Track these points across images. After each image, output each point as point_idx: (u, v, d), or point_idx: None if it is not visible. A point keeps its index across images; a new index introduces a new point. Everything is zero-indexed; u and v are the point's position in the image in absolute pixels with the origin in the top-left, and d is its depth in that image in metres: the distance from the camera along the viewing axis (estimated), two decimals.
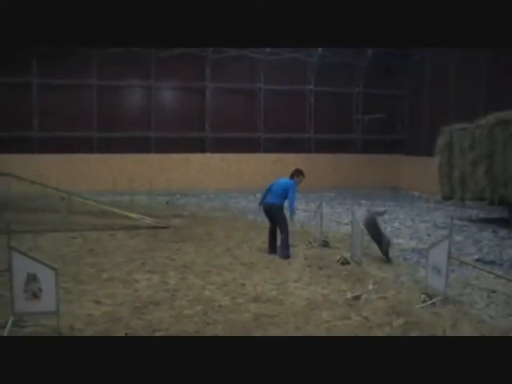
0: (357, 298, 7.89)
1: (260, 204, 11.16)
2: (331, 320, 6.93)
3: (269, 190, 10.95)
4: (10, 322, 6.34)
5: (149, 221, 14.40)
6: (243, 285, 8.62)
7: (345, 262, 10.01)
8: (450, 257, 7.61)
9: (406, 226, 14.78)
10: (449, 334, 6.32)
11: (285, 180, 10.92)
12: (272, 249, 10.96)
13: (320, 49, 25.40)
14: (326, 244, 11.68)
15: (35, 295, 6.31)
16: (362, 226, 10.12)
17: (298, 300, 7.82)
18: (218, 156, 25.65)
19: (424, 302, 7.60)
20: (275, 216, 10.82)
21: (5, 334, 6.15)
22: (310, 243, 11.81)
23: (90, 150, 24.70)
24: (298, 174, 10.95)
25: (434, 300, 7.57)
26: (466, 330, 6.47)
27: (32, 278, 6.27)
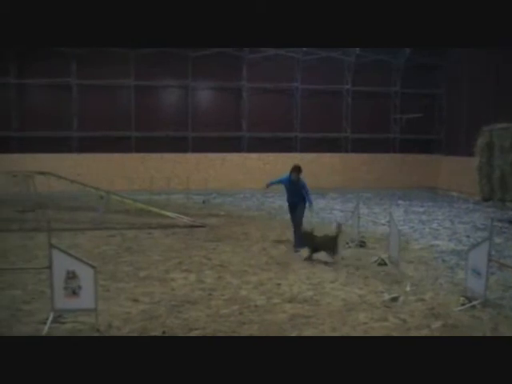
0: (394, 299, 7.81)
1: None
2: (368, 322, 6.87)
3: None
4: (50, 318, 6.47)
5: (185, 220, 14.51)
6: (279, 285, 8.61)
7: (382, 263, 9.93)
8: (489, 259, 7.48)
9: (444, 227, 14.56)
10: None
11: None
12: None
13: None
14: (362, 244, 11.61)
15: (74, 292, 6.41)
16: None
17: (334, 301, 7.78)
18: (254, 155, 25.66)
19: (463, 304, 7.48)
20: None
21: (45, 330, 6.28)
22: (347, 243, 11.73)
23: (128, 150, 24.97)
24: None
25: (473, 303, 7.45)
26: (507, 334, 6.35)
27: (71, 276, 6.38)
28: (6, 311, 7.17)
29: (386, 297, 7.94)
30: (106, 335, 6.31)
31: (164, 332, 6.44)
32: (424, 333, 6.45)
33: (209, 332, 6.45)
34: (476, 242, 10.98)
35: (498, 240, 12.27)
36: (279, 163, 24.60)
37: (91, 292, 6.42)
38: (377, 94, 26.91)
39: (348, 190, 24.05)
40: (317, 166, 24.60)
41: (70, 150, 24.29)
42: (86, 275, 6.40)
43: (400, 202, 21.17)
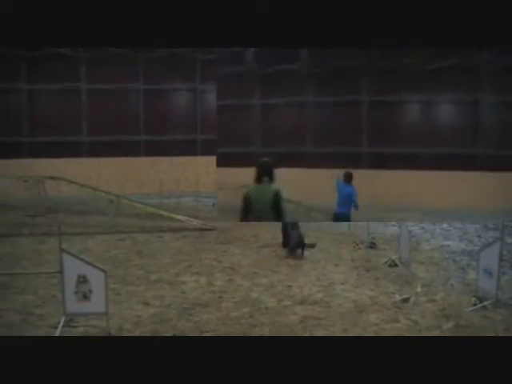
0: (405, 300, 7.78)
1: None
2: (379, 323, 6.84)
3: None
4: (61, 322, 6.49)
5: (195, 222, 14.52)
6: (290, 287, 8.60)
7: (392, 264, 9.89)
8: (501, 259, 7.43)
9: (455, 228, 14.49)
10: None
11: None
12: None
13: None
14: (373, 245, 11.56)
15: (85, 296, 6.43)
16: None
17: (345, 302, 7.76)
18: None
19: (475, 305, 7.43)
20: None
21: (57, 334, 6.29)
22: (357, 245, 11.70)
23: (138, 153, 25.06)
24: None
25: (485, 303, 7.40)
26: None
27: (82, 280, 6.40)
28: (17, 315, 7.20)
29: (397, 298, 7.91)
30: (117, 335, 6.33)
31: (174, 335, 6.45)
32: (435, 334, 6.41)
33: (219, 335, 6.45)
34: (487, 241, 10.93)
35: (509, 240, 12.15)
36: None
37: (102, 296, 6.44)
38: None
39: None
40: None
41: (80, 155, 24.44)
42: (96, 279, 6.41)
43: None
